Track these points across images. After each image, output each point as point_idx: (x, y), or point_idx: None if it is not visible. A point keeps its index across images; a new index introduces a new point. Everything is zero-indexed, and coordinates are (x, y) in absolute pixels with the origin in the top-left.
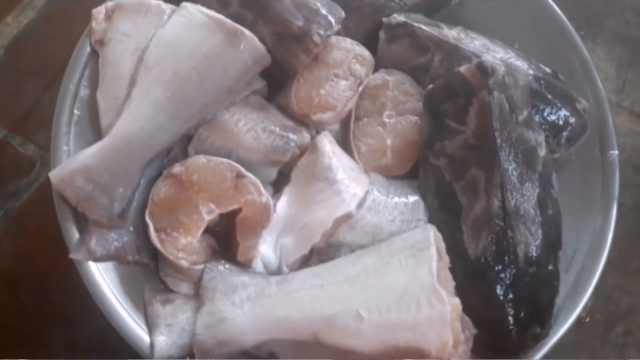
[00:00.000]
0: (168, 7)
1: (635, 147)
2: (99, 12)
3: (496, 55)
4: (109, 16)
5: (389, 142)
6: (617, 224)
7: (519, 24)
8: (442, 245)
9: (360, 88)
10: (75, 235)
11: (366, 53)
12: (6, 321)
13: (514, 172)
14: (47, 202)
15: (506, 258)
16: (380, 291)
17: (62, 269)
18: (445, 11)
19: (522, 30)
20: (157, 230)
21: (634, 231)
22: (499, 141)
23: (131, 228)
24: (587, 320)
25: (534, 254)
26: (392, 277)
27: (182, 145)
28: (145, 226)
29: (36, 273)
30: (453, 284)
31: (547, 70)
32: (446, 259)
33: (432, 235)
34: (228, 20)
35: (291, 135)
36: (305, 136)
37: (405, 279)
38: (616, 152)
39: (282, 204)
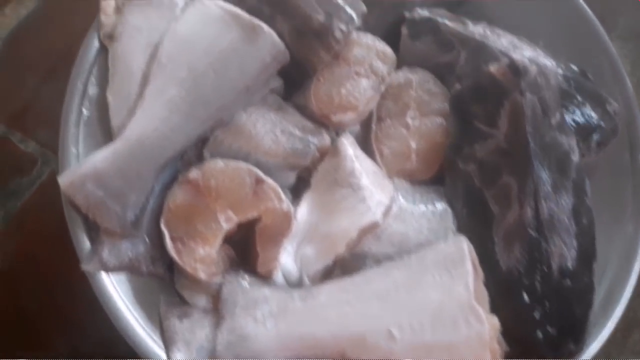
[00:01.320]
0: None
1: None
2: (108, 4)
3: (524, 53)
4: (119, 8)
5: (413, 144)
6: None
7: (543, 21)
8: (476, 258)
9: (382, 87)
10: (86, 244)
11: (388, 50)
12: (7, 325)
13: (547, 179)
14: (49, 202)
15: (539, 270)
16: (413, 308)
17: (65, 271)
18: (467, 5)
19: (546, 27)
20: (173, 239)
21: None
22: (532, 146)
23: (145, 237)
24: None
25: (569, 266)
26: (426, 294)
27: (197, 148)
28: (160, 235)
29: (38, 275)
30: (488, 299)
31: (576, 69)
32: (480, 272)
33: (466, 247)
34: (246, 15)
35: (311, 138)
36: (326, 138)
37: (440, 295)
38: None
39: (303, 211)
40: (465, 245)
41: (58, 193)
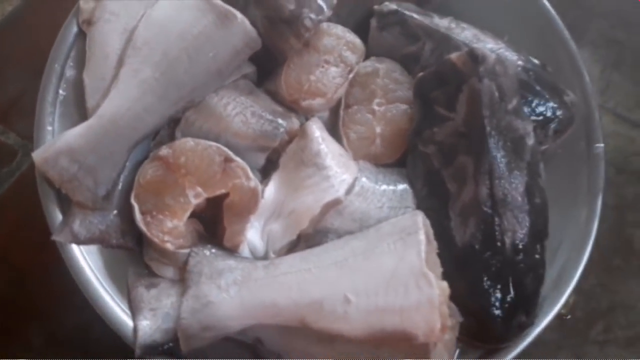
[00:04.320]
0: None
1: (617, 148)
2: None
3: (487, 45)
4: None
5: (378, 129)
6: (600, 218)
7: (509, 17)
8: (430, 230)
9: (351, 75)
10: (59, 217)
11: (357, 40)
12: None
13: (502, 160)
14: (28, 193)
15: (493, 246)
16: (368, 275)
17: (41, 261)
18: (437, 2)
19: (511, 23)
20: (142, 212)
21: (615, 230)
22: (488, 129)
23: (116, 211)
24: (569, 317)
25: (521, 242)
26: (381, 261)
27: (169, 129)
28: (130, 209)
29: (15, 265)
30: (441, 269)
31: (536, 62)
32: (434, 243)
33: (420, 219)
34: (219, 2)
35: (280, 121)
36: (295, 122)
37: (394, 262)
38: (602, 145)
39: (270, 190)
40: (419, 218)
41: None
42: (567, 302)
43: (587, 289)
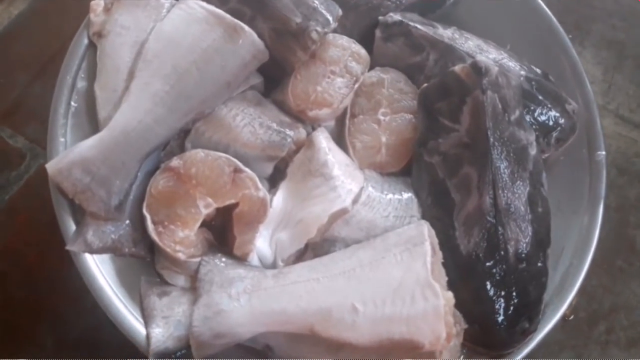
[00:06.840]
0: (167, 1)
1: (620, 149)
2: (98, 4)
3: (489, 55)
4: (107, 9)
5: (383, 139)
6: (602, 224)
7: (511, 26)
8: (436, 241)
9: (356, 85)
10: (72, 226)
11: (362, 51)
12: None
13: (505, 170)
14: (36, 195)
15: (497, 254)
16: (375, 284)
17: (50, 262)
18: (440, 11)
19: (514, 32)
20: (154, 223)
21: (617, 231)
22: (491, 140)
23: (128, 220)
24: (572, 318)
25: (524, 251)
26: (387, 271)
27: (179, 139)
28: (142, 219)
29: (24, 266)
30: (446, 278)
31: (538, 71)
32: (439, 254)
33: (426, 230)
34: (227, 16)
35: (288, 131)
36: (302, 132)
37: (400, 272)
38: (603, 152)
39: (278, 199)
40: (425, 229)
41: (45, 187)
42: (570, 303)
43: (589, 290)
